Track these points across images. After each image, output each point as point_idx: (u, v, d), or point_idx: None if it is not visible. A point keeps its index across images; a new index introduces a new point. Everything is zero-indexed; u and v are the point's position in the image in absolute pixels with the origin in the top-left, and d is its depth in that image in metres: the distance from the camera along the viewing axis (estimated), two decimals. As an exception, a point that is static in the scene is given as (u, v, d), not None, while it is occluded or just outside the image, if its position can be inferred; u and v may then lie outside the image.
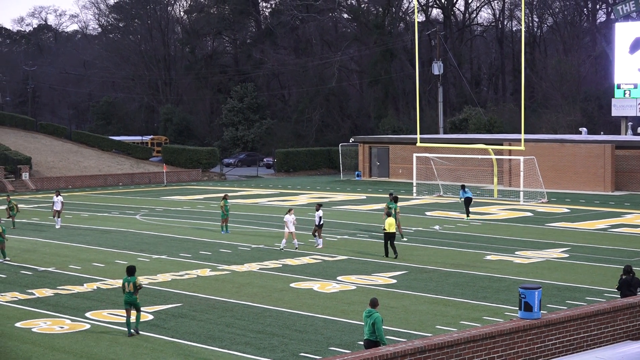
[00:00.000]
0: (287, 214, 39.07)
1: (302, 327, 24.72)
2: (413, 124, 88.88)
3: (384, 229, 36.42)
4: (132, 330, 24.11)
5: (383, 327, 19.48)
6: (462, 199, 50.80)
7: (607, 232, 43.99)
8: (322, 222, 39.61)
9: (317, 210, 39.53)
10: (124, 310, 24.22)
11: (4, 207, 51.06)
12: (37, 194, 71.42)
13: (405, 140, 78.79)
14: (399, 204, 43.10)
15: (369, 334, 19.37)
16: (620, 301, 19.72)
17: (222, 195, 48.04)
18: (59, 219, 47.77)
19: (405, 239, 41.08)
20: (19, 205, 49.94)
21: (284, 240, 38.82)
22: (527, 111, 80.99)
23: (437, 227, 43.25)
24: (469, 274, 32.35)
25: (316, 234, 39.64)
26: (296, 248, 38.58)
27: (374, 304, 19.54)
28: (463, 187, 51.42)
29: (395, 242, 36.47)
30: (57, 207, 47.53)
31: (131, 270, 24.37)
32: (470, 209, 50.21)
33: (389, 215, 37.11)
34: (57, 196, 47.87)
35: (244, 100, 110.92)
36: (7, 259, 36.79)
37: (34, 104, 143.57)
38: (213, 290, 29.88)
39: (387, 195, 44.47)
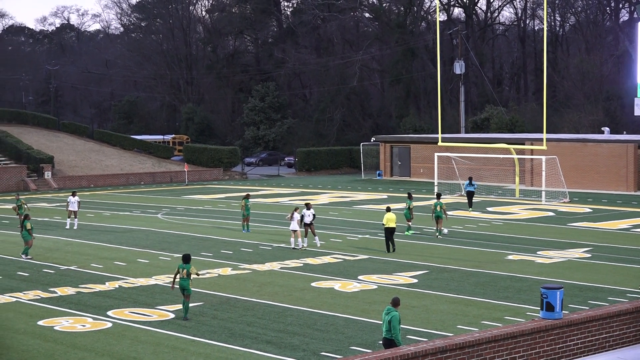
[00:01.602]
0: (294, 212, 38.90)
1: (323, 327, 24.74)
2: (434, 124, 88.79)
3: (384, 225, 37.50)
4: (186, 315, 25.66)
5: (400, 326, 19.46)
6: (465, 191, 54.11)
7: (629, 232, 43.81)
8: (311, 221, 39.51)
9: (308, 209, 39.54)
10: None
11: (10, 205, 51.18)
12: (60, 192, 71.70)
13: (427, 140, 78.71)
14: (443, 200, 43.84)
15: (386, 332, 19.40)
16: (643, 301, 19.63)
17: (244, 194, 48.08)
18: (76, 219, 47.65)
19: (440, 236, 41.89)
20: (28, 205, 49.90)
21: (298, 239, 38.81)
22: (549, 110, 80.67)
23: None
24: (491, 274, 32.28)
25: (309, 232, 39.52)
26: (298, 248, 38.61)
27: (395, 303, 19.54)
28: (470, 179, 54.68)
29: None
30: (74, 207, 47.34)
31: (186, 258, 26.07)
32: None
33: (388, 210, 38.18)
34: (73, 196, 47.76)
35: (265, 99, 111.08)
36: (29, 256, 36.99)
37: (56, 103, 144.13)
38: (234, 289, 29.94)
39: (406, 195, 44.78)
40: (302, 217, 39.19)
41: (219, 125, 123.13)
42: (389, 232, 37.57)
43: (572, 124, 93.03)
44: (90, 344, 23.24)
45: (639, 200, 59.42)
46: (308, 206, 39.98)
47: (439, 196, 43.94)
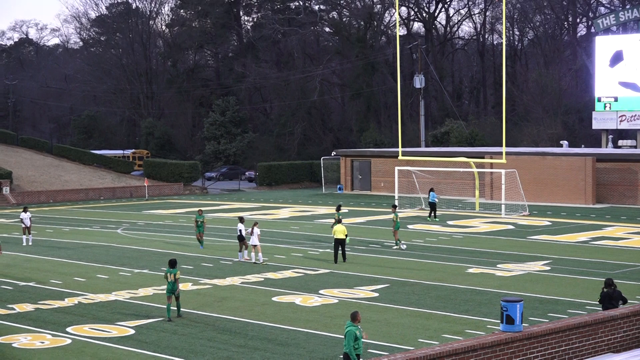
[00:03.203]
0: (254, 226, 38.83)
1: (284, 341, 24.68)
2: (395, 137, 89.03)
3: (334, 236, 38.63)
4: (170, 316, 27.24)
5: (362, 341, 19.46)
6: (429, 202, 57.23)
7: (588, 245, 44.12)
8: (242, 235, 39.64)
9: (242, 222, 39.73)
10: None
11: None
12: (18, 208, 71.00)
13: (387, 154, 78.87)
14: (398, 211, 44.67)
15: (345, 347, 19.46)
16: (602, 314, 19.77)
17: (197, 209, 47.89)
18: (30, 235, 47.16)
19: (396, 247, 42.51)
20: None
21: (252, 253, 38.80)
22: (509, 124, 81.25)
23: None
24: (451, 287, 32.37)
25: (243, 247, 39.64)
26: (259, 262, 38.50)
27: (352, 317, 19.56)
28: (432, 189, 58.19)
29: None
30: (27, 223, 46.93)
31: (173, 263, 27.69)
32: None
33: (339, 222, 39.68)
34: (25, 212, 47.35)
35: (225, 113, 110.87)
36: None
37: (14, 118, 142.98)
38: (195, 304, 29.79)
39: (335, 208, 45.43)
40: (240, 231, 39.30)
41: (179, 139, 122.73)
42: (338, 243, 38.49)
43: (531, 137, 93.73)
44: (49, 360, 23.04)
45: (598, 212, 59.89)
46: (241, 220, 40.09)
47: (395, 207, 44.51)
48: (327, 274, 35.72)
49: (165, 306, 27.50)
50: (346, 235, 38.90)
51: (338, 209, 45.15)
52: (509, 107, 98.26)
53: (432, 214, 56.65)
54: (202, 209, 47.20)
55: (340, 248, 38.57)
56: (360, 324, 19.68)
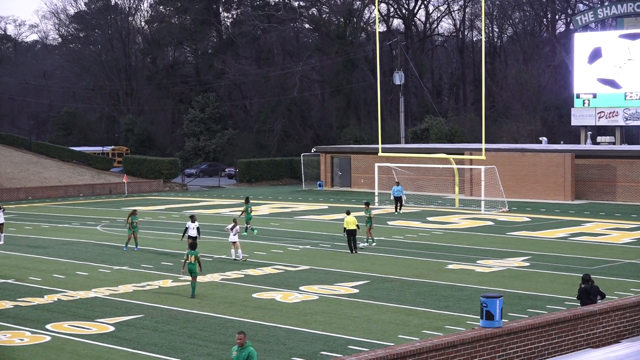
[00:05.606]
0: (234, 223, 38.87)
1: (264, 338, 24.68)
2: (375, 134, 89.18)
3: (345, 227, 39.79)
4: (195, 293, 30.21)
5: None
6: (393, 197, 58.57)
7: (567, 241, 44.30)
8: (196, 235, 39.87)
9: (193, 221, 40.13)
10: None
11: None
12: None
13: (367, 150, 78.96)
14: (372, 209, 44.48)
15: None
16: (581, 309, 19.88)
17: (131, 209, 46.98)
18: (2, 233, 46.74)
19: (374, 244, 42.45)
20: None
21: (239, 251, 38.79)
22: (488, 121, 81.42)
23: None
24: (431, 283, 32.44)
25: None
26: (238, 259, 38.50)
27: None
28: (397, 183, 59.91)
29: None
30: (0, 220, 46.49)
31: (193, 245, 30.94)
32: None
33: (348, 213, 40.06)
34: None
35: (205, 110, 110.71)
36: None
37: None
38: (175, 301, 29.76)
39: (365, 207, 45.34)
40: (186, 229, 39.60)
41: (159, 136, 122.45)
42: (349, 234, 39.62)
43: (510, 134, 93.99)
44: (28, 358, 22.95)
45: (577, 209, 60.13)
46: (193, 219, 40.19)
47: (367, 204, 44.39)
48: (307, 271, 35.74)
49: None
50: (357, 226, 39.60)
51: (247, 201, 47.54)
52: (489, 103, 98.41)
53: (398, 208, 57.96)
54: (136, 209, 46.39)
55: (352, 239, 39.72)
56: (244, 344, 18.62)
